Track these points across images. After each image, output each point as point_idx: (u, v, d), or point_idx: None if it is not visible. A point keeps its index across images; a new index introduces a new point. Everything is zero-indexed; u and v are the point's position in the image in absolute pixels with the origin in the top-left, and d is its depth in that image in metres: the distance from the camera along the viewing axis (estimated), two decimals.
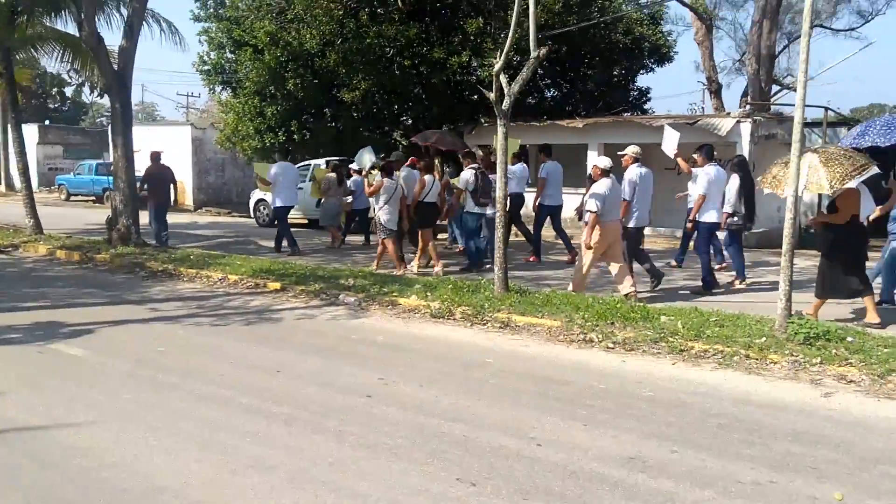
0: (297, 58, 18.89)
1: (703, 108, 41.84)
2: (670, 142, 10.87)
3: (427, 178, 11.69)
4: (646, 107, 21.70)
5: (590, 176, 9.84)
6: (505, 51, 8.99)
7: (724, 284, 10.48)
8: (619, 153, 9.83)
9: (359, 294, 9.73)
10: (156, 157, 14.52)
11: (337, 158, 18.05)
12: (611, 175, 9.22)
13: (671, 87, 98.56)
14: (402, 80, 18.41)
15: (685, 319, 7.68)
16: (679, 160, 11.04)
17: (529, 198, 13.20)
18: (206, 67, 23.13)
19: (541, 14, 17.25)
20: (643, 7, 19.93)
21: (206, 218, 24.05)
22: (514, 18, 8.86)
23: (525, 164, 13.58)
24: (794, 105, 7.17)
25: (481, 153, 12.93)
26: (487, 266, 11.63)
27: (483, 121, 19.19)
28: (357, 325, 8.61)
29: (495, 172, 10.65)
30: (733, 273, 10.77)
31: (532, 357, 7.13)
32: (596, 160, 9.42)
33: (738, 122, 14.70)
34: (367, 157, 12.00)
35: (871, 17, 24.56)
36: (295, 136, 20.59)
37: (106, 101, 19.13)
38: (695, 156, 10.60)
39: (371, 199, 11.83)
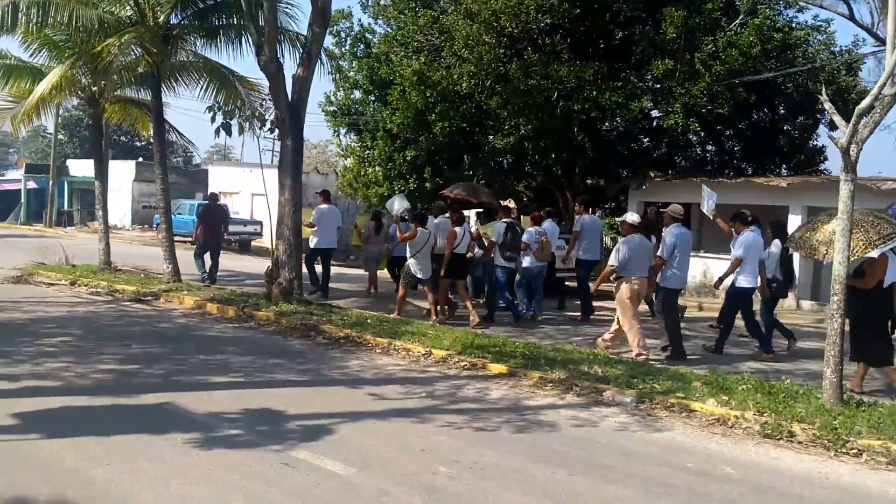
0: (444, 99, 17.16)
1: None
2: (708, 201, 10.48)
3: (458, 229, 11.42)
4: (821, 168, 19.35)
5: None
6: (881, 82, 6.92)
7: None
8: (660, 209, 9.94)
9: (626, 389, 7.67)
10: (213, 197, 17.06)
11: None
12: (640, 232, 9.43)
13: None
14: (565, 126, 16.54)
15: None
16: (719, 221, 10.35)
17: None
18: (331, 108, 21.61)
19: (735, 57, 15.32)
20: (858, 57, 17.57)
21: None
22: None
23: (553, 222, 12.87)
24: None
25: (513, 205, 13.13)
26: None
27: (653, 175, 17.14)
28: (666, 441, 6.49)
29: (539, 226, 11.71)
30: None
31: None
32: (626, 216, 9.82)
33: None
34: (398, 204, 11.50)
35: None
36: (427, 185, 18.80)
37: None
38: (729, 224, 10.16)
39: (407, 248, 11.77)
